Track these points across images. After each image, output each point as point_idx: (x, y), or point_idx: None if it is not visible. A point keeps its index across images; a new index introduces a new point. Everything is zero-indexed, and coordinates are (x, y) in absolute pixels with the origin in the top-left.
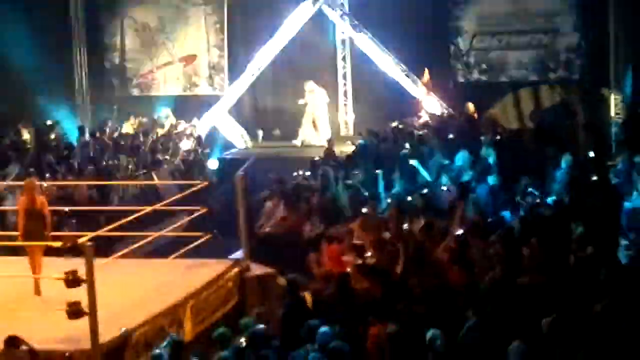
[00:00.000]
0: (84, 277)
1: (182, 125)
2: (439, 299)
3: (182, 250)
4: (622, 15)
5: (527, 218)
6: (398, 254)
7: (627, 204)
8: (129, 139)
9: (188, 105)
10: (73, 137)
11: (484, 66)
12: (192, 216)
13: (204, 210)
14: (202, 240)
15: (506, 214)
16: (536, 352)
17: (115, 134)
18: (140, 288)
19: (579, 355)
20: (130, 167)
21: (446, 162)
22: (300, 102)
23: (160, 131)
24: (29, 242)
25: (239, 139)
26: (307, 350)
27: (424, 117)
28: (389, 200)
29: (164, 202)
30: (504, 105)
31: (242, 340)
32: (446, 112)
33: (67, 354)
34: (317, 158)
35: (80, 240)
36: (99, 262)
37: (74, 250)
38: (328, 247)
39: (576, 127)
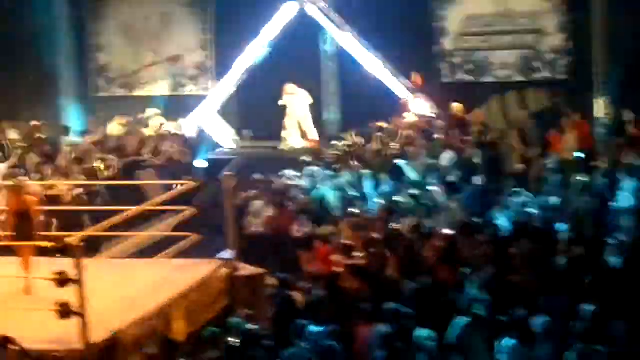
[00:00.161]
0: (74, 277)
1: (168, 126)
2: (428, 299)
3: (170, 250)
4: (607, 16)
5: (515, 218)
6: (386, 254)
7: (613, 205)
8: (114, 139)
9: (174, 106)
10: (59, 137)
11: (468, 67)
12: (180, 216)
13: (191, 211)
14: (190, 240)
15: (494, 214)
16: (526, 350)
17: (101, 134)
18: (130, 288)
19: (568, 354)
20: (115, 167)
21: (432, 162)
22: (280, 102)
23: (146, 131)
24: (18, 242)
25: (226, 139)
26: (299, 348)
27: (410, 117)
28: (376, 201)
29: (151, 202)
30: (490, 105)
31: (232, 340)
32: (433, 112)
33: (57, 354)
34: (304, 158)
35: (69, 241)
36: (88, 262)
37: (63, 250)
38: (317, 247)
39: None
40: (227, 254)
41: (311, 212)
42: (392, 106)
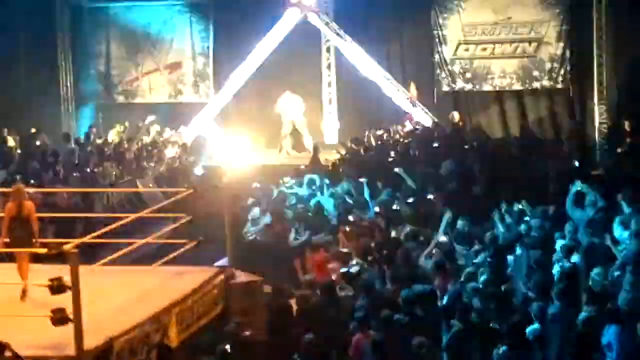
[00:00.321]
0: (69, 284)
1: (168, 133)
2: (423, 307)
3: (167, 258)
4: (606, 25)
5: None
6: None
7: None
8: (113, 146)
9: (173, 113)
10: (58, 144)
11: (468, 75)
12: (177, 223)
13: (188, 218)
14: (187, 247)
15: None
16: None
17: (100, 141)
18: (125, 295)
19: None
20: (114, 174)
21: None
22: (276, 110)
23: (146, 138)
24: (15, 248)
25: (225, 146)
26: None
27: (409, 126)
28: (374, 209)
29: (149, 209)
30: (489, 114)
31: (227, 347)
32: (433, 122)
33: None
34: (302, 166)
35: (66, 247)
36: (84, 269)
37: (59, 257)
38: (314, 254)
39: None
40: (224, 261)
41: (308, 220)
42: (391, 114)
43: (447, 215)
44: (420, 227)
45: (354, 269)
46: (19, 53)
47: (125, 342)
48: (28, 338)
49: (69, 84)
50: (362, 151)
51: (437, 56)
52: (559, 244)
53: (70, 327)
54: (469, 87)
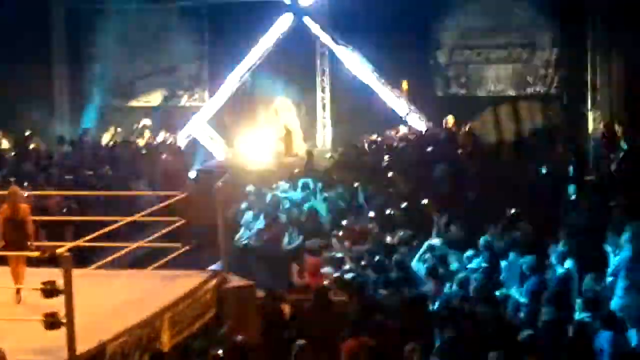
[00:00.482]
0: (62, 288)
1: (162, 136)
2: (415, 312)
3: (160, 262)
4: (600, 31)
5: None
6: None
7: None
8: (108, 149)
9: (168, 116)
10: (52, 147)
11: (462, 80)
12: (171, 227)
13: (182, 222)
14: (181, 251)
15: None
16: None
17: (95, 144)
18: (117, 299)
19: None
20: (109, 177)
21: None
22: (270, 115)
23: (140, 141)
24: (10, 251)
25: (219, 150)
26: None
27: (403, 130)
28: (368, 213)
29: (142, 213)
30: (483, 119)
31: (220, 351)
32: (427, 127)
33: None
34: (296, 170)
35: (59, 251)
36: (77, 273)
37: (52, 260)
38: (307, 259)
39: (555, 143)
40: (217, 265)
41: (302, 224)
42: (386, 119)
43: (441, 220)
44: (413, 231)
45: (347, 274)
46: (14, 55)
47: (117, 346)
48: (20, 342)
49: (64, 87)
50: (355, 156)
51: (431, 61)
52: (553, 249)
53: (62, 331)
54: (463, 92)
